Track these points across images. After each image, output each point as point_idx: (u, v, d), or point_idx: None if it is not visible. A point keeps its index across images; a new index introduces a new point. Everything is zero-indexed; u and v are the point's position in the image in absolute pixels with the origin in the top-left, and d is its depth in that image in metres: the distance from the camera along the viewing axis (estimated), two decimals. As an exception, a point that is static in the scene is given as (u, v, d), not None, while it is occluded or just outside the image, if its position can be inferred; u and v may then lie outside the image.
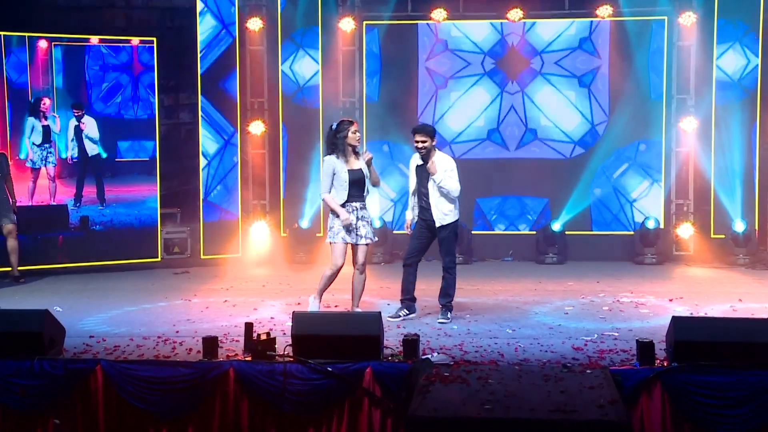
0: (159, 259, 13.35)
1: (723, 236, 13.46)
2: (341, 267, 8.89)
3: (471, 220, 14.20)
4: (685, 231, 13.68)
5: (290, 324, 7.45)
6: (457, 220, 9.16)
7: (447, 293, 9.16)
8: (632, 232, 13.77)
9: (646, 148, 13.98)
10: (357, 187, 8.81)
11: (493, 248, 14.08)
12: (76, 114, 13.04)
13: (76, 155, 13.11)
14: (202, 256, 13.54)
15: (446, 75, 14.31)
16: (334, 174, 8.79)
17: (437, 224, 9.02)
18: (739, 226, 13.27)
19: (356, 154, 8.86)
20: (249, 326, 7.53)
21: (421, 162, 9.07)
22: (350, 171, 8.80)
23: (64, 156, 13.00)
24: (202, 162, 13.54)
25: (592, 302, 10.24)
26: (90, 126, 13.12)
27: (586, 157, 14.02)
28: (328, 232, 8.96)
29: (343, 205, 8.79)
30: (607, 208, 14.10)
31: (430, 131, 9.03)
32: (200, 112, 13.49)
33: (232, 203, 13.82)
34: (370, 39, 14.32)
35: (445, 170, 8.97)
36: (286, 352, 7.10)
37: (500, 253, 14.03)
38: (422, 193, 9.09)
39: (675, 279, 12.20)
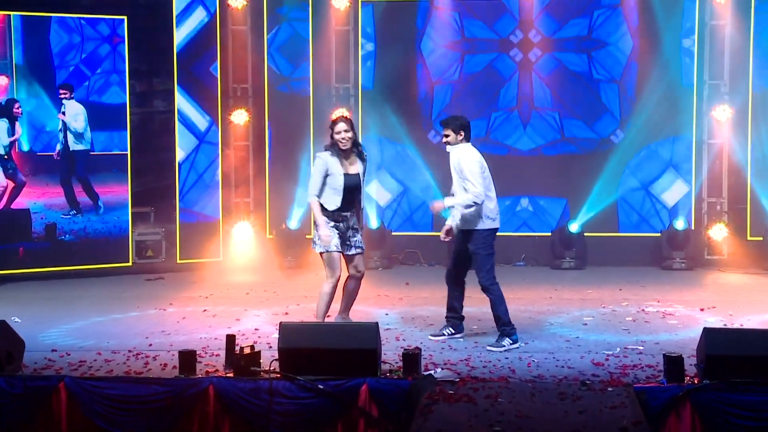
0: (130, 263, 13.34)
1: (761, 238, 13.46)
2: (340, 278, 8.71)
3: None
4: (718, 232, 13.68)
5: (277, 336, 7.45)
6: (490, 230, 8.68)
7: (497, 317, 8.68)
8: (659, 234, 13.77)
9: (674, 141, 13.99)
10: (351, 194, 8.64)
11: (504, 252, 13.98)
12: (61, 96, 12.96)
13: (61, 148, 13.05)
14: (178, 261, 13.54)
15: (450, 58, 14.31)
16: (327, 175, 8.61)
17: (461, 227, 8.71)
18: (779, 227, 13.30)
19: (357, 155, 8.69)
20: (231, 339, 7.53)
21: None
22: (346, 175, 8.61)
23: (26, 149, 12.90)
24: (179, 155, 13.54)
25: (614, 312, 10.25)
26: (72, 113, 13.01)
27: (608, 150, 14.01)
28: (317, 240, 8.71)
29: (334, 213, 8.63)
30: (632, 207, 14.11)
31: (453, 124, 8.72)
32: (176, 100, 13.49)
33: (212, 201, 13.82)
34: (365, 18, 14.33)
35: (464, 176, 8.61)
36: (272, 368, 7.10)
37: (512, 257, 14.02)
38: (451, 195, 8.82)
39: (707, 286, 12.22)
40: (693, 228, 13.73)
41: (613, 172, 13.96)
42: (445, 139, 8.76)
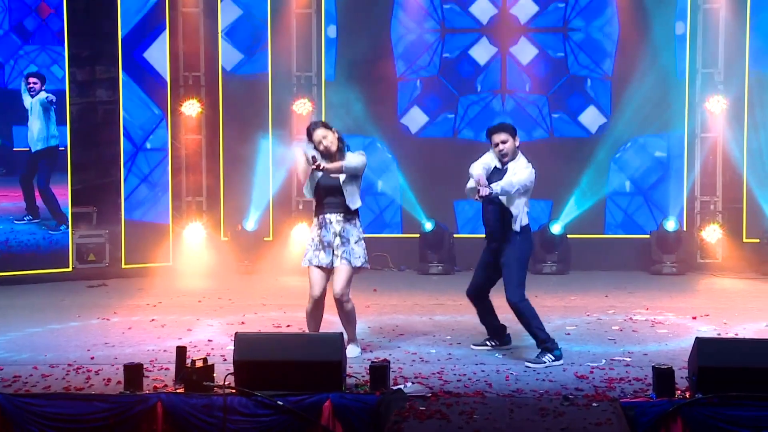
0: (70, 269, 13.27)
1: (757, 240, 13.58)
2: (318, 298, 8.48)
3: (452, 222, 14.23)
4: (712, 234, 13.79)
5: (232, 348, 7.43)
6: (526, 226, 8.45)
7: (533, 334, 8.46)
8: (648, 236, 13.85)
9: (664, 134, 14.06)
10: (333, 194, 8.43)
11: (479, 255, 14.04)
12: (30, 86, 12.84)
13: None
14: (123, 266, 13.48)
15: (423, 44, 14.34)
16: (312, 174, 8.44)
17: (504, 236, 8.43)
18: (777, 229, 13.42)
19: (339, 151, 8.42)
20: (181, 351, 7.50)
21: (492, 166, 8.51)
22: (323, 175, 8.39)
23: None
24: (124, 150, 13.47)
25: (600, 321, 10.30)
26: (38, 107, 12.91)
27: (593, 146, 14.07)
28: None
29: (319, 218, 8.46)
30: (618, 206, 14.18)
31: (511, 130, 8.51)
32: (121, 89, 13.43)
33: (161, 201, 13.76)
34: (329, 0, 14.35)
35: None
36: (226, 383, 7.08)
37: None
38: (488, 210, 8.53)
39: (699, 292, 12.31)
40: (685, 229, 13.82)
41: (599, 169, 14.04)
42: (502, 147, 8.43)
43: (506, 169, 8.44)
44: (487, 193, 8.12)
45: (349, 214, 8.48)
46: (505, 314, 8.82)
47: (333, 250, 8.45)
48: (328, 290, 8.49)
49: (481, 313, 8.96)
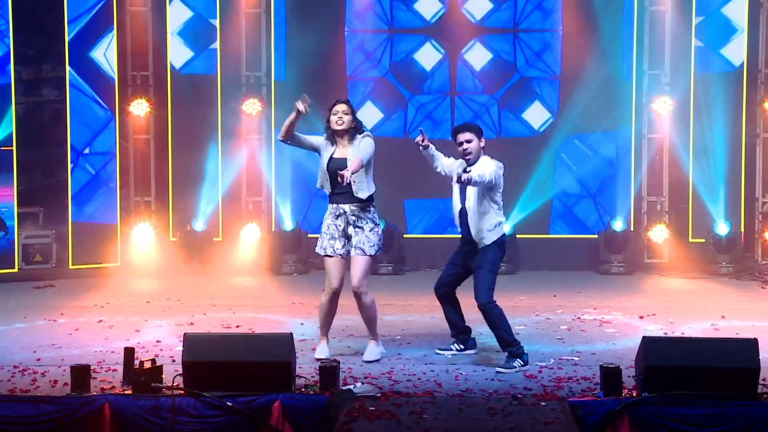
0: (16, 269, 13.15)
1: (703, 240, 13.72)
2: (336, 290, 8.44)
3: (403, 222, 14.25)
4: (659, 234, 13.92)
5: (181, 349, 7.40)
6: (501, 236, 8.56)
7: (500, 338, 8.41)
8: (596, 236, 13.95)
9: (612, 135, 14.17)
10: (341, 182, 8.27)
11: (429, 255, 14.13)
12: None
13: None
14: (70, 266, 13.38)
15: (372, 42, 14.35)
16: (321, 156, 8.46)
17: (479, 246, 8.50)
18: (722, 229, 13.54)
19: (351, 140, 8.38)
20: (129, 352, 7.46)
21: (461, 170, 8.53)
22: (331, 159, 8.40)
23: None
24: (71, 150, 13.36)
25: (548, 320, 10.36)
26: None
27: (541, 146, 14.15)
28: None
29: (332, 206, 8.41)
30: (566, 206, 14.27)
31: (476, 129, 8.52)
32: (68, 88, 13.32)
33: (109, 201, 13.67)
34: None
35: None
36: (175, 384, 7.05)
37: (437, 261, 14.04)
38: (463, 212, 8.61)
39: (646, 292, 12.42)
40: (632, 229, 13.95)
41: (547, 170, 14.12)
42: (467, 146, 8.43)
43: (469, 171, 8.39)
44: (465, 178, 8.12)
45: (363, 203, 8.40)
46: (472, 315, 8.81)
47: (348, 240, 8.40)
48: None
49: (447, 311, 8.87)
